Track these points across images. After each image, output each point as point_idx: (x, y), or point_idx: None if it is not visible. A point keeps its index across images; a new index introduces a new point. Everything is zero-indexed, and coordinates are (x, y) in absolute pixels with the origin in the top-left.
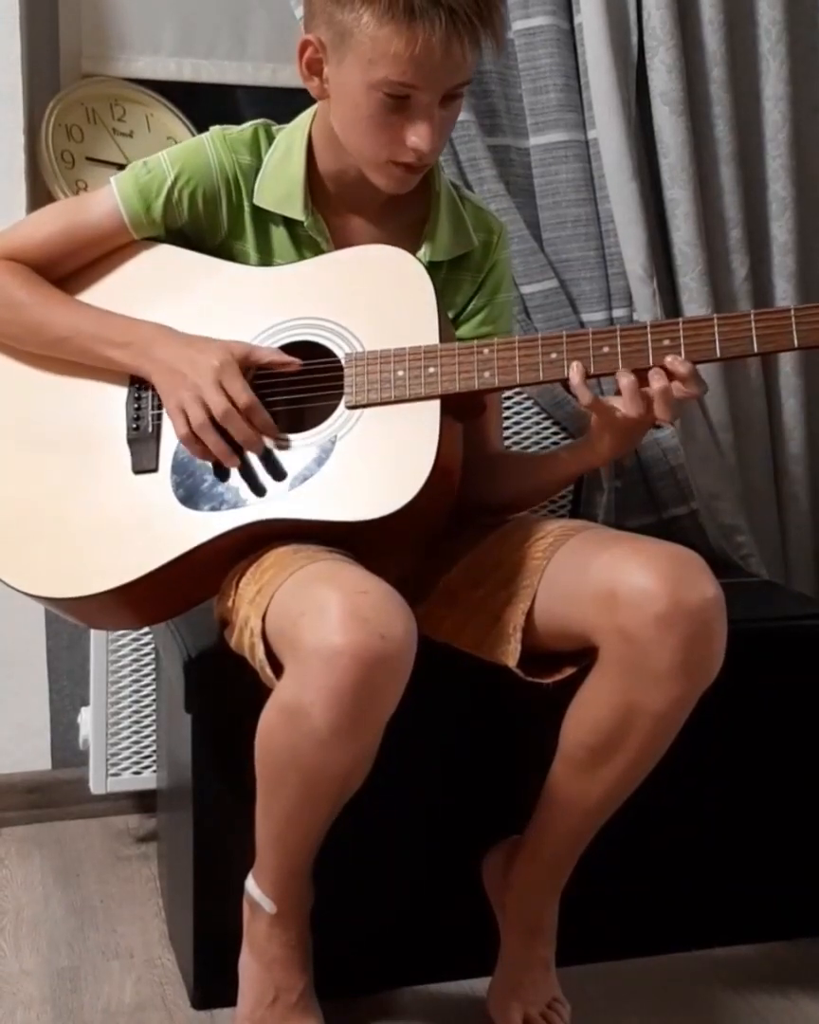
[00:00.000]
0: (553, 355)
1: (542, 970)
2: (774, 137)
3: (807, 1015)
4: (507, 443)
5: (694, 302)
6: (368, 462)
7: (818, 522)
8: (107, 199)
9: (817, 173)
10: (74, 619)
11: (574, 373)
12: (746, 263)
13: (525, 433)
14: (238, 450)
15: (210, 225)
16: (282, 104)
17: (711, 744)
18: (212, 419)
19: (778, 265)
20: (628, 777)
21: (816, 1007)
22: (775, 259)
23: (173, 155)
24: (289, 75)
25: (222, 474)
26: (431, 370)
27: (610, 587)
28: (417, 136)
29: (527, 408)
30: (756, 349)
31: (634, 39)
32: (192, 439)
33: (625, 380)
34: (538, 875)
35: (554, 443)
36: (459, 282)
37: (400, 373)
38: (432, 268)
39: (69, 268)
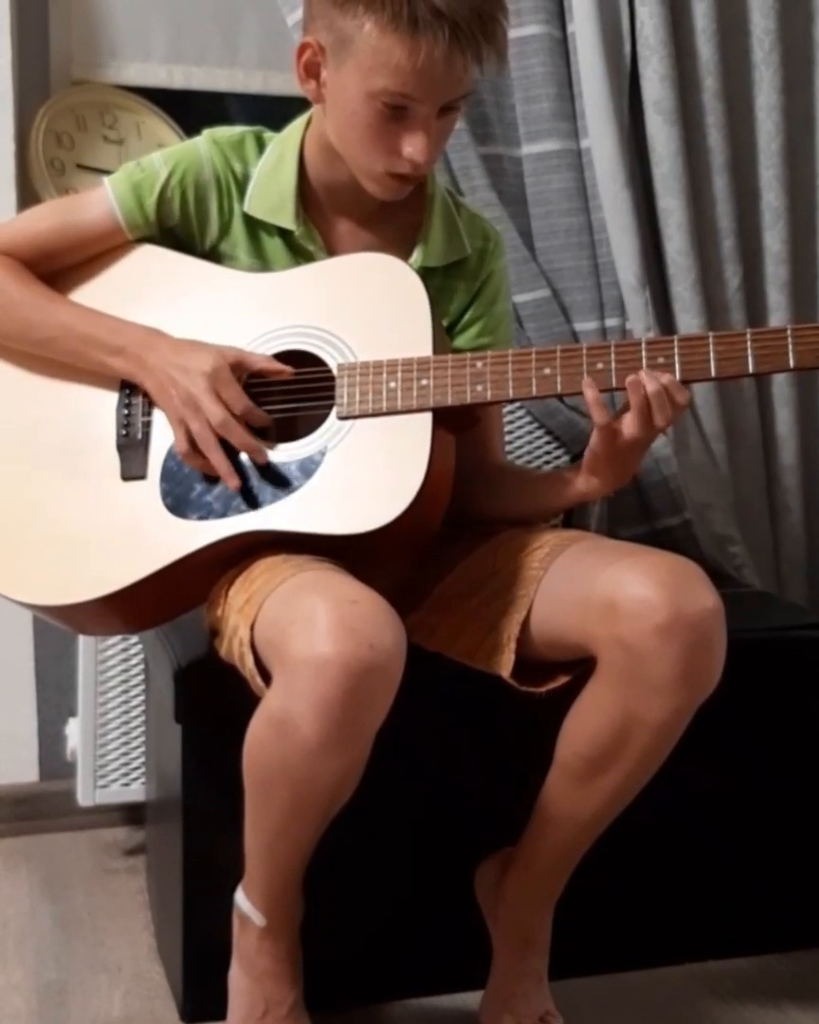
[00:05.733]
0: (546, 370)
1: (535, 983)
2: (767, 147)
3: None
4: None
5: (687, 312)
6: (358, 475)
7: (811, 532)
8: (101, 199)
9: (810, 183)
10: (63, 625)
11: (588, 388)
12: (739, 273)
13: (518, 442)
14: (233, 455)
15: (200, 226)
16: (273, 112)
17: (703, 755)
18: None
19: (771, 275)
20: (624, 789)
21: (809, 1019)
22: (768, 269)
23: (166, 154)
24: (280, 82)
25: (210, 483)
26: (423, 382)
27: (610, 597)
28: (413, 147)
29: (520, 417)
30: (751, 369)
31: (627, 48)
32: (193, 455)
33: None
34: (531, 887)
35: (546, 452)
36: (453, 290)
37: (392, 384)
38: (426, 274)
39: (59, 266)
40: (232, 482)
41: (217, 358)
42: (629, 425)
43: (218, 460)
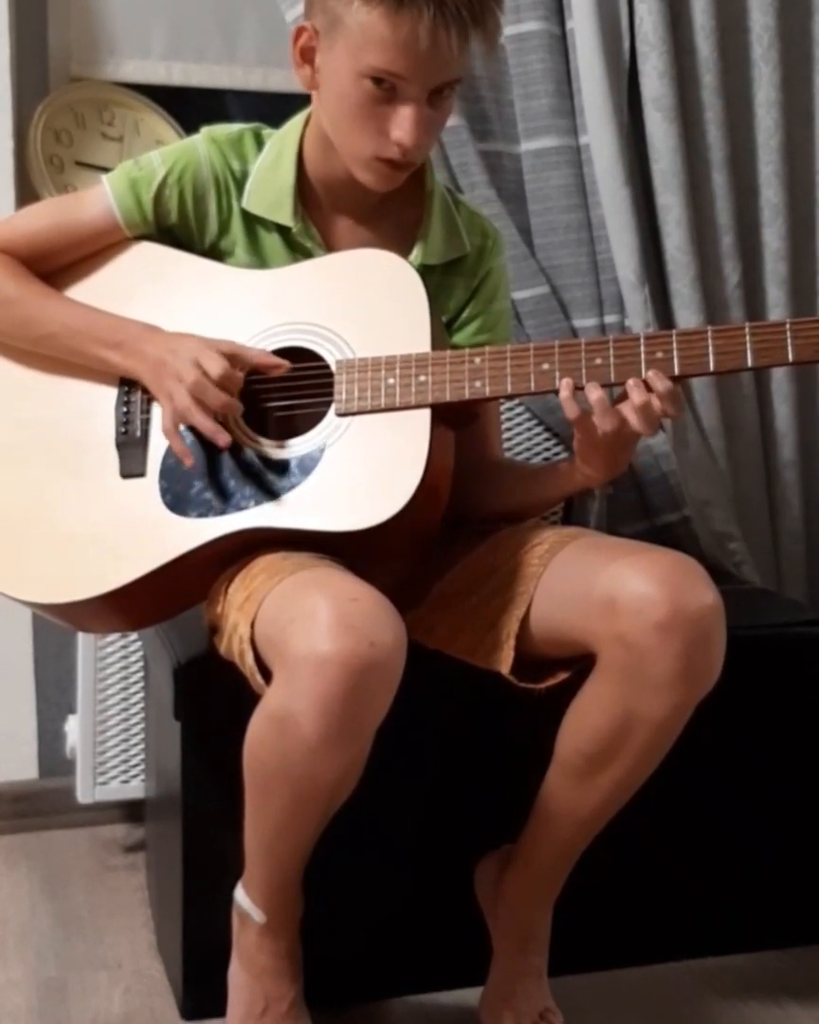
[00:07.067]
0: (545, 365)
1: (534, 980)
2: (766, 143)
3: None
4: None
5: (686, 308)
6: (357, 471)
7: (810, 529)
8: (99, 197)
9: (809, 179)
10: (63, 623)
11: (563, 388)
12: (738, 269)
13: (517, 438)
14: (232, 452)
15: (199, 225)
16: (272, 108)
17: (703, 752)
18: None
19: (770, 271)
20: (624, 785)
21: (808, 1016)
22: (767, 265)
23: (164, 153)
24: (280, 79)
25: (210, 480)
26: (422, 378)
27: (609, 594)
28: (400, 129)
29: (519, 414)
30: (750, 363)
31: (626, 44)
32: (175, 434)
33: (595, 395)
34: (531, 884)
35: (546, 448)
36: (452, 287)
37: (391, 381)
38: (425, 272)
39: (58, 265)
40: (221, 439)
41: (207, 341)
42: (601, 420)
43: (202, 421)
